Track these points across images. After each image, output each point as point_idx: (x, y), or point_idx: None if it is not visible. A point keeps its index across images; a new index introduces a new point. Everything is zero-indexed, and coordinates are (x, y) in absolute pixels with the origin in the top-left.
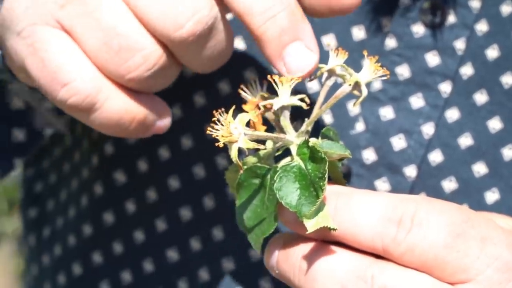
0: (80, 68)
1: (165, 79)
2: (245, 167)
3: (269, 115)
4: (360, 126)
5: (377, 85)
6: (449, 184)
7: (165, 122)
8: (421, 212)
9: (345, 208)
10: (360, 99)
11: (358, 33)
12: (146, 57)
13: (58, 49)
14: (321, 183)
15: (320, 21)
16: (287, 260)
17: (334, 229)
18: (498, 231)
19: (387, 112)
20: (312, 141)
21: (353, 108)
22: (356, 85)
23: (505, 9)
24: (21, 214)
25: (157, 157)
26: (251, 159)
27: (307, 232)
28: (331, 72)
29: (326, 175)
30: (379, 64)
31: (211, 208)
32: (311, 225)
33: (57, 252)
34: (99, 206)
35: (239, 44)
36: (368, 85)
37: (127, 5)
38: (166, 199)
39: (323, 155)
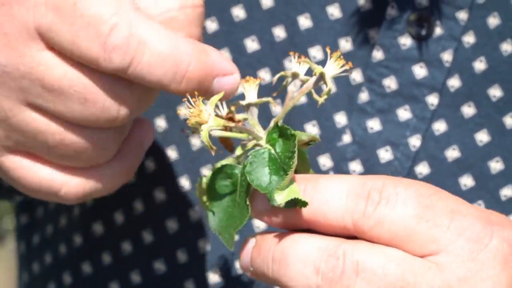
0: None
1: (107, 151)
2: (215, 169)
3: (238, 128)
4: (347, 138)
5: (364, 97)
6: None
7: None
8: (389, 186)
9: (314, 189)
10: (325, 91)
11: (345, 44)
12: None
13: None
14: (291, 163)
15: (307, 33)
16: (260, 254)
17: (305, 204)
18: (467, 205)
19: (374, 124)
20: None
21: (340, 120)
22: (321, 78)
23: (492, 21)
24: (15, 220)
25: (143, 169)
26: (223, 162)
27: (277, 204)
28: (295, 76)
29: (296, 154)
30: (341, 57)
31: (196, 220)
32: (281, 198)
33: (47, 261)
34: (89, 216)
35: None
36: (355, 97)
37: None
38: (153, 210)
39: (292, 131)
